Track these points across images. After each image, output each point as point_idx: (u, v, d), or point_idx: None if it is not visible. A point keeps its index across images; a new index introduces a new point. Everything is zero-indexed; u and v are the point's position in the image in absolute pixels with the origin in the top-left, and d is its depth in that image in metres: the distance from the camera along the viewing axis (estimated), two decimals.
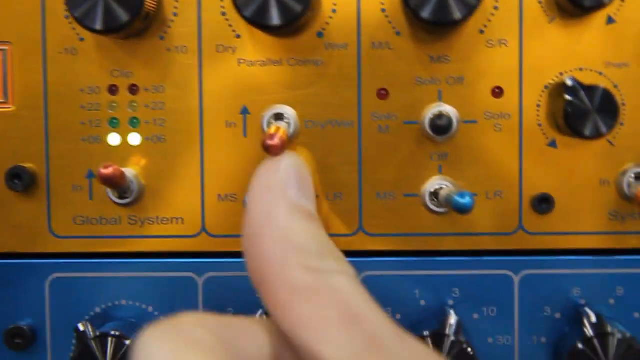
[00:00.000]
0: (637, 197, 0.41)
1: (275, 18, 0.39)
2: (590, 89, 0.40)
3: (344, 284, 0.30)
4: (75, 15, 0.40)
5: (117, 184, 0.42)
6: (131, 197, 0.43)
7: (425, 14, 0.39)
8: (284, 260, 0.30)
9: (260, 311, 0.42)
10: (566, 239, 0.43)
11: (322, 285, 0.29)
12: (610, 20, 0.42)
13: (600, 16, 0.42)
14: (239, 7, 0.39)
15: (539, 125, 0.43)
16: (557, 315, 0.43)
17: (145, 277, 0.44)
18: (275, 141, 0.41)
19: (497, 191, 0.43)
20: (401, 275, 0.43)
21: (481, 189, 0.43)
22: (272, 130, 0.41)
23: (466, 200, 0.39)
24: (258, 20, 0.39)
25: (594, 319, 0.41)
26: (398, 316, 0.43)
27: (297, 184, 0.36)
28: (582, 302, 0.43)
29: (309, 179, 0.39)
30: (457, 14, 0.39)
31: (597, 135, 0.40)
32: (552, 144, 0.43)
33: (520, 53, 0.43)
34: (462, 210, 0.39)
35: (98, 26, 0.40)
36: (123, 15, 0.40)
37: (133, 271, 0.44)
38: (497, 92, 0.43)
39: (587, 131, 0.40)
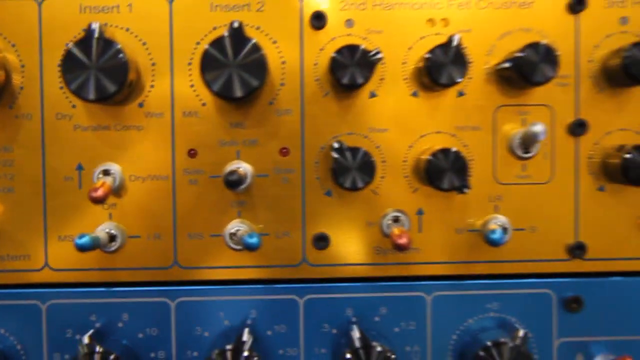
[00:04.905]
0: (391, 236, 0.51)
1: (91, 93, 0.48)
2: (353, 150, 0.51)
3: None
4: None
5: None
6: None
7: (215, 88, 0.48)
8: None
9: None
10: (341, 269, 0.54)
11: None
12: (459, 94, 0.53)
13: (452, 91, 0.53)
14: (66, 81, 0.48)
15: (317, 178, 0.53)
16: (334, 331, 0.54)
17: None
18: (99, 193, 0.51)
19: (285, 231, 0.53)
20: (209, 301, 0.53)
21: (272, 229, 0.53)
22: (98, 184, 0.51)
23: (253, 240, 0.49)
24: (78, 94, 0.48)
25: (358, 334, 0.52)
26: (207, 334, 0.53)
27: None
28: (354, 319, 0.53)
29: None
30: (239, 92, 0.48)
31: (355, 188, 0.50)
32: (328, 193, 0.53)
33: (302, 120, 0.53)
34: (250, 247, 0.49)
35: None
36: None
37: None
38: (284, 151, 0.53)
39: (347, 184, 0.50)
